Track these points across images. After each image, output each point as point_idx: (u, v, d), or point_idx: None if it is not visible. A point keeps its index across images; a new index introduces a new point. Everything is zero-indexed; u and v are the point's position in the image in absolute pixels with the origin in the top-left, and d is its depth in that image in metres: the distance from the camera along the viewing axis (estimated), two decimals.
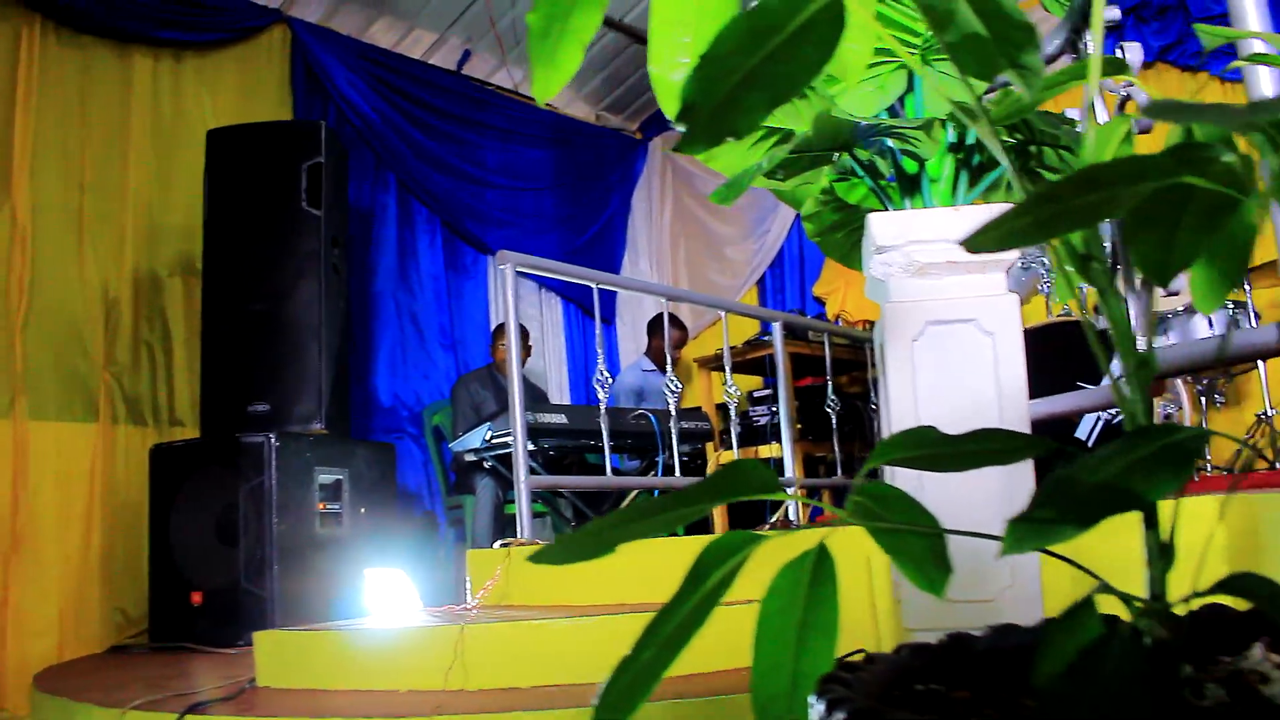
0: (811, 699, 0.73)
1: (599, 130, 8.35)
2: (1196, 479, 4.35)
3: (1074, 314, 4.32)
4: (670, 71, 1.10)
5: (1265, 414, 4.65)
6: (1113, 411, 3.94)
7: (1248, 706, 0.67)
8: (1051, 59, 2.18)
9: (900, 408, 1.70)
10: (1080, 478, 0.68)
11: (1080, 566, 0.80)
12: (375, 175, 6.79)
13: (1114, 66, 0.87)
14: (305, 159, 4.80)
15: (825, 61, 0.75)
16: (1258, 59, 0.91)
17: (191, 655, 3.95)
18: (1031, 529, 0.69)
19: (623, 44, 7.40)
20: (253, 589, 4.16)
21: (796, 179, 1.95)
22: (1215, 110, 0.55)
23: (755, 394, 6.47)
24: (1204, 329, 4.45)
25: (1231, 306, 4.57)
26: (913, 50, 1.60)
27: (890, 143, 1.81)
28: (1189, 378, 4.84)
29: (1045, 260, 4.78)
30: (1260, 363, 4.53)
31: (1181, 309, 4.49)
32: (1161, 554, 0.73)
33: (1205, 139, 0.90)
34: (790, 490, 4.86)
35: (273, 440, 4.29)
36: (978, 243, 0.62)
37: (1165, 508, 0.76)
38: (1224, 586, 0.63)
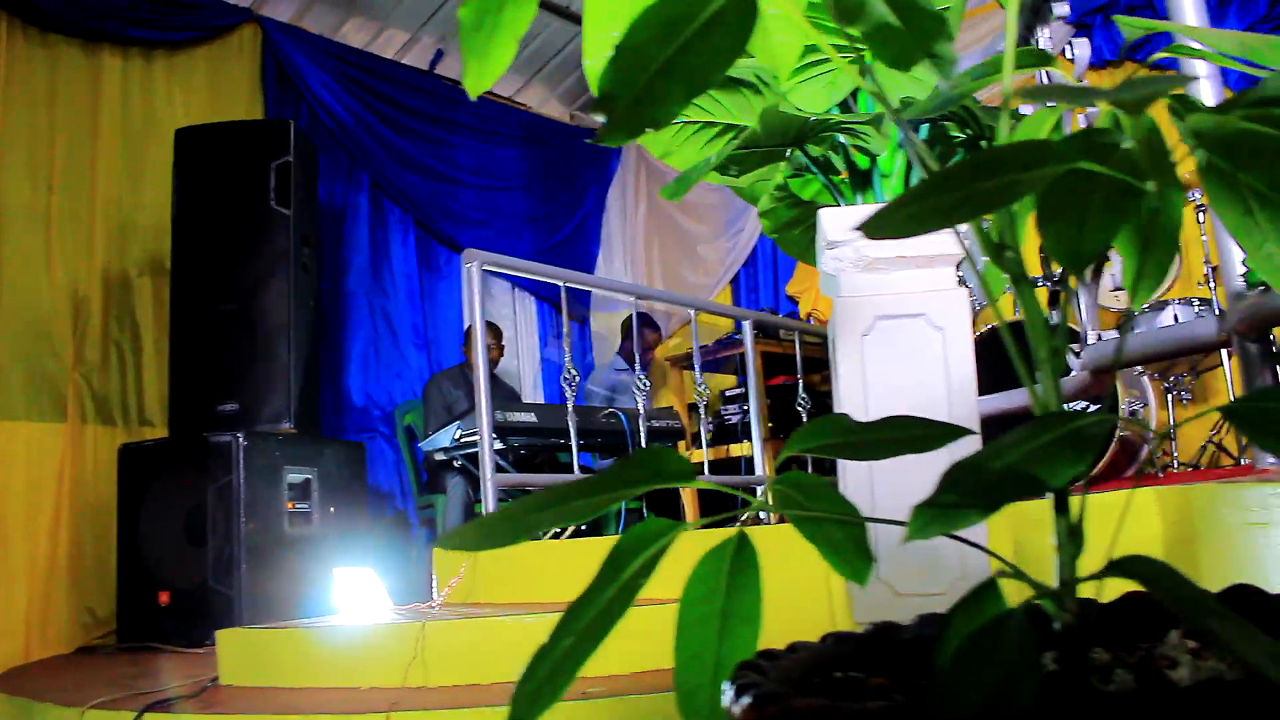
0: (725, 685, 0.74)
1: (573, 130, 8.34)
2: (1161, 475, 4.39)
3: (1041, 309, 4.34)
4: (604, 65, 1.10)
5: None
6: (1080, 404, 3.94)
7: (1150, 690, 0.68)
8: None
9: (850, 403, 1.70)
10: (984, 464, 0.68)
11: (1002, 559, 0.81)
12: (348, 175, 6.76)
13: (1035, 58, 0.87)
14: (274, 158, 4.78)
15: (739, 52, 0.76)
16: (1177, 50, 0.92)
17: (158, 655, 3.94)
18: (936, 514, 0.70)
19: None
20: (221, 588, 4.14)
21: (752, 175, 1.95)
22: (1077, 91, 0.56)
23: (727, 393, 6.47)
24: (1170, 324, 4.48)
25: (1198, 303, 4.60)
26: (856, 47, 1.60)
27: (842, 138, 1.82)
28: (1155, 375, 4.88)
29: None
30: (1225, 358, 4.57)
31: (1147, 305, 4.52)
32: (1070, 538, 0.74)
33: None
34: (759, 489, 4.87)
35: (241, 440, 4.27)
36: (875, 228, 0.62)
37: (1078, 499, 0.76)
38: (1115, 569, 0.63)
